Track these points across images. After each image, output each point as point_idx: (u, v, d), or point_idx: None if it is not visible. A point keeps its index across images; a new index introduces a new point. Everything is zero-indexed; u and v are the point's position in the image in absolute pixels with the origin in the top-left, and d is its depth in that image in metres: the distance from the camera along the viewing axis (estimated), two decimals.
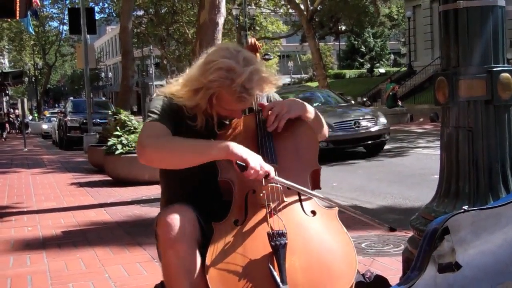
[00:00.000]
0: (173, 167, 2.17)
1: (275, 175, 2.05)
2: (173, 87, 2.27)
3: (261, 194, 2.07)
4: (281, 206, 2.07)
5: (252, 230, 2.02)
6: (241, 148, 2.02)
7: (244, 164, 1.99)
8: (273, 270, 1.89)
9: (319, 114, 2.41)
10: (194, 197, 2.22)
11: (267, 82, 2.17)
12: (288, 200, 2.10)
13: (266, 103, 2.33)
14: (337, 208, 2.13)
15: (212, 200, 2.22)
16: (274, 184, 2.08)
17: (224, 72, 2.07)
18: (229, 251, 1.97)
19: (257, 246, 1.97)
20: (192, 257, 1.97)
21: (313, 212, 2.10)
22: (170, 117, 2.20)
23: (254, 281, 1.91)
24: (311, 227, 2.07)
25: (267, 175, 2.02)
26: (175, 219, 1.98)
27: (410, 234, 2.80)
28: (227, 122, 2.30)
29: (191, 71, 2.23)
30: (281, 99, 2.48)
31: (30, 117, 46.66)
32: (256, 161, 2.00)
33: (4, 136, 32.67)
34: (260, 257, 1.95)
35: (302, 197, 2.13)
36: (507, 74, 2.43)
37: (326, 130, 2.46)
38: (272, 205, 2.05)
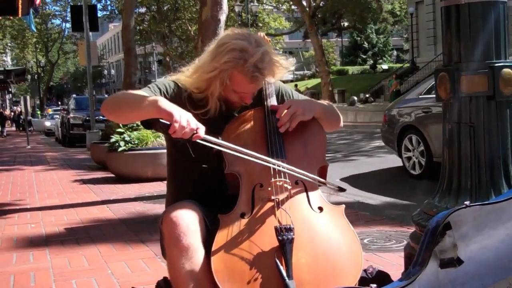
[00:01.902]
0: (122, 119, 2.31)
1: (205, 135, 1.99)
2: (183, 74, 2.30)
3: (269, 188, 2.07)
4: (288, 201, 2.07)
5: (259, 224, 2.01)
6: (168, 104, 1.98)
7: (168, 122, 1.92)
8: (279, 264, 1.89)
9: (333, 106, 2.42)
10: (199, 192, 2.23)
11: (277, 65, 2.20)
12: (295, 195, 2.10)
13: (278, 105, 2.33)
14: (343, 205, 2.13)
15: (217, 195, 2.22)
16: (282, 178, 2.08)
17: (237, 53, 2.11)
18: (235, 244, 1.96)
19: (263, 239, 1.96)
20: (197, 255, 1.97)
21: (320, 208, 2.10)
22: (163, 96, 2.20)
23: (260, 275, 1.91)
24: (318, 223, 2.06)
25: (194, 134, 1.95)
26: (180, 217, 1.98)
27: (412, 229, 2.80)
28: (236, 114, 2.30)
29: (202, 58, 2.26)
30: (292, 91, 2.49)
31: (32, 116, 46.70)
32: (182, 116, 1.94)
33: (5, 133, 32.71)
34: (267, 251, 1.94)
35: (309, 193, 2.13)
36: (509, 70, 2.42)
37: (341, 121, 2.46)
38: (280, 199, 2.05)
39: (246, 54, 2.11)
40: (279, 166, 2.10)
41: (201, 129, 1.97)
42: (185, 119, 1.94)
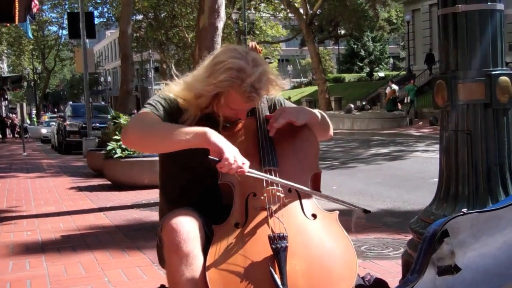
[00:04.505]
0: (153, 150, 2.24)
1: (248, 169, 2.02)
2: (176, 88, 2.28)
3: (262, 197, 2.07)
4: (281, 209, 2.07)
5: (253, 233, 2.01)
6: (218, 137, 2.00)
7: (217, 158, 1.95)
8: (274, 273, 1.90)
9: (325, 115, 2.42)
10: (193, 201, 2.23)
11: (273, 84, 2.21)
12: (289, 203, 2.10)
13: (270, 114, 2.34)
14: (337, 212, 2.14)
15: (212, 204, 2.22)
16: (275, 187, 2.08)
17: (234, 72, 2.09)
18: (230, 254, 1.97)
19: (258, 248, 1.97)
20: (196, 262, 1.96)
21: (314, 215, 2.10)
22: (167, 112, 2.21)
23: (255, 284, 1.91)
24: (312, 230, 2.07)
25: (239, 169, 1.98)
26: (180, 224, 1.98)
27: (409, 237, 2.80)
28: (228, 125, 2.30)
29: (196, 73, 2.24)
30: (287, 102, 2.49)
31: (29, 122, 46.64)
32: (231, 153, 1.96)
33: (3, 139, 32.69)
34: (261, 259, 1.95)
35: (303, 200, 2.13)
36: (505, 78, 2.43)
37: (331, 130, 2.47)
38: (273, 208, 2.06)
39: (243, 74, 2.09)
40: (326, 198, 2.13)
41: (246, 165, 2.00)
42: (233, 156, 1.96)
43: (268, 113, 2.34)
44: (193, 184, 2.28)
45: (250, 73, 2.09)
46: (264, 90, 2.17)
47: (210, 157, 1.96)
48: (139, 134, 2.12)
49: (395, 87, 26.01)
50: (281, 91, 2.31)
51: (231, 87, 2.11)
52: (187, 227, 1.98)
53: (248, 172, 2.01)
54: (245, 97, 2.12)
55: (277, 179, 2.08)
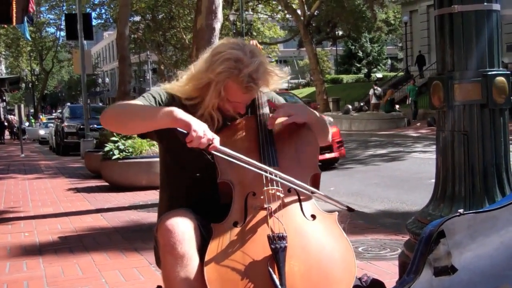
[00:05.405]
0: (124, 129, 2.30)
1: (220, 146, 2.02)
2: (176, 83, 2.29)
3: (262, 197, 2.07)
4: (281, 209, 2.07)
5: (252, 232, 2.01)
6: (184, 114, 2.01)
7: (186, 131, 1.96)
8: (272, 273, 1.89)
9: (324, 119, 2.42)
10: (193, 200, 2.23)
11: (272, 75, 2.21)
12: (288, 203, 2.10)
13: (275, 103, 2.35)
14: (336, 213, 2.13)
15: (210, 203, 2.22)
16: (275, 187, 2.08)
17: (232, 62, 2.12)
18: (228, 253, 1.96)
19: (256, 248, 1.96)
20: (192, 263, 1.96)
21: (313, 216, 2.10)
22: (159, 104, 2.23)
23: (253, 283, 1.90)
24: (311, 231, 2.06)
25: (210, 144, 1.99)
26: (175, 225, 1.98)
27: (406, 238, 2.80)
28: (228, 123, 2.30)
29: (196, 66, 2.26)
30: (284, 101, 2.49)
31: (27, 123, 46.52)
32: (199, 126, 1.98)
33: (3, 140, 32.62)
34: (260, 259, 1.94)
35: (302, 200, 2.13)
36: (502, 78, 2.44)
37: (330, 136, 2.47)
38: (272, 208, 2.05)
39: (240, 64, 2.11)
40: (313, 193, 2.12)
41: (216, 140, 2.01)
42: (202, 129, 1.97)
43: (268, 112, 2.34)
44: (193, 184, 2.28)
45: (247, 63, 2.12)
46: (262, 80, 2.18)
47: (178, 129, 1.97)
48: (114, 113, 2.19)
49: (379, 89, 26.36)
50: (281, 81, 2.30)
51: (229, 78, 2.13)
52: (182, 227, 1.98)
53: (219, 149, 2.01)
54: (243, 87, 2.13)
55: (251, 161, 2.05)
